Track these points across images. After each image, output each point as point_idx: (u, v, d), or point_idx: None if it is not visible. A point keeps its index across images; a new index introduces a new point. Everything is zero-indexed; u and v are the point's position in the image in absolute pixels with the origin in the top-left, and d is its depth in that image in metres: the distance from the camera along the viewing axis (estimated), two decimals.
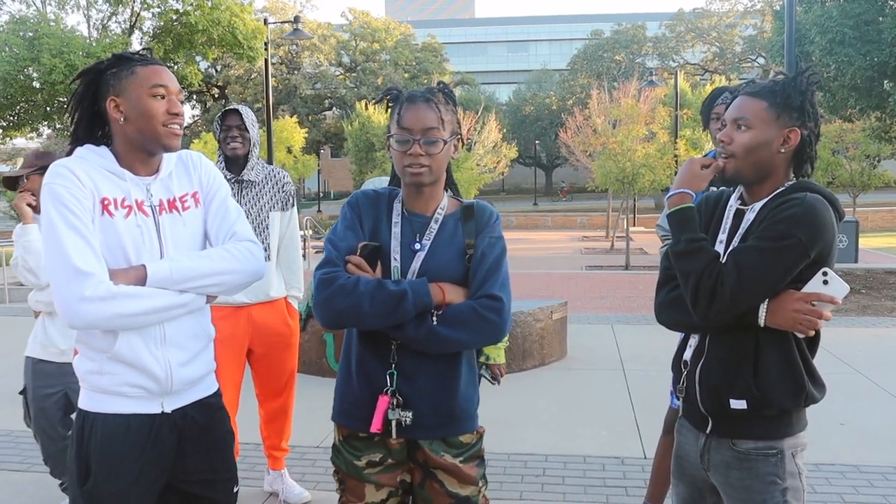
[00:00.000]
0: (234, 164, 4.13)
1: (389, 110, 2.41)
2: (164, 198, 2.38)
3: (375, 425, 2.29)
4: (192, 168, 2.48)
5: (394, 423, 2.31)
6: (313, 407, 6.27)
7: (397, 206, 2.43)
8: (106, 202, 2.26)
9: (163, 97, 2.29)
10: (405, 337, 2.28)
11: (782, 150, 2.24)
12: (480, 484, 2.44)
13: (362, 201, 2.44)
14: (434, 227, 2.39)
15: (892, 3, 14.55)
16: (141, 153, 2.34)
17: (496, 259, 2.35)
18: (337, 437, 2.45)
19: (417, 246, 2.36)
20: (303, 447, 5.32)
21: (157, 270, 2.24)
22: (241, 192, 4.08)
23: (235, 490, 2.56)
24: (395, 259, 2.35)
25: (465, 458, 2.40)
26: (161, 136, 2.30)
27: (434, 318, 2.26)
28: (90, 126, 2.35)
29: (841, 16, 14.19)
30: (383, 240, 2.38)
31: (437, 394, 2.35)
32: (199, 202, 2.46)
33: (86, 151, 2.32)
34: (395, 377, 2.33)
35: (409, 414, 2.31)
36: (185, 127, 54.47)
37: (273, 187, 4.18)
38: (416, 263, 2.34)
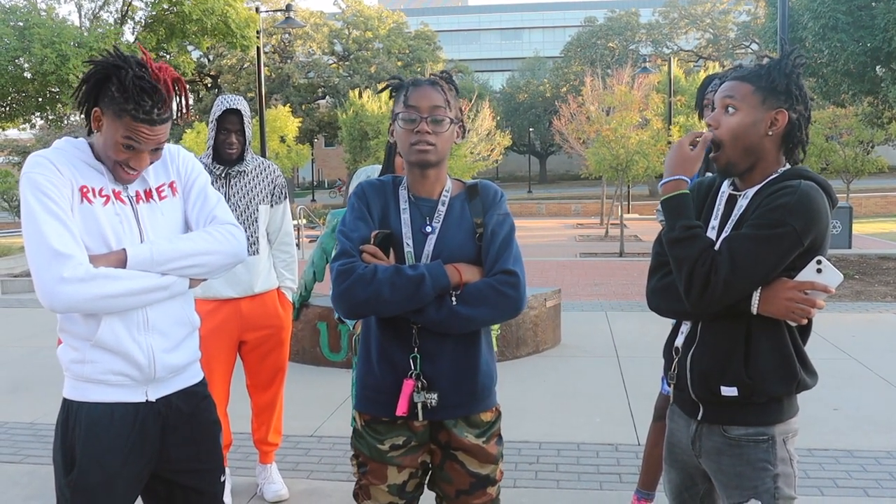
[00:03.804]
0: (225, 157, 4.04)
1: (393, 98, 2.44)
2: (140, 188, 2.38)
3: (401, 409, 2.32)
4: (170, 160, 2.48)
5: (419, 406, 2.35)
6: (308, 396, 6.29)
7: (403, 193, 2.45)
8: (84, 190, 2.26)
9: (131, 149, 2.24)
10: (426, 320, 2.31)
11: (770, 133, 2.23)
12: (499, 462, 2.51)
13: (368, 190, 2.46)
14: (442, 209, 2.42)
15: None
16: None
17: (506, 236, 2.39)
18: (358, 423, 2.48)
19: (429, 229, 2.40)
20: (297, 436, 5.32)
21: (137, 253, 2.24)
22: (230, 182, 4.01)
23: (222, 479, 2.56)
24: (407, 244, 2.39)
25: (486, 438, 2.46)
26: (112, 170, 2.31)
27: (453, 299, 2.30)
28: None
29: (834, 1, 14.17)
30: (393, 226, 2.41)
31: (460, 373, 2.39)
32: (178, 192, 2.46)
33: (64, 143, 2.33)
34: (418, 360, 2.36)
35: (435, 395, 2.35)
36: (178, 117, 54.21)
37: (263, 180, 4.11)
38: (429, 247, 2.38)
